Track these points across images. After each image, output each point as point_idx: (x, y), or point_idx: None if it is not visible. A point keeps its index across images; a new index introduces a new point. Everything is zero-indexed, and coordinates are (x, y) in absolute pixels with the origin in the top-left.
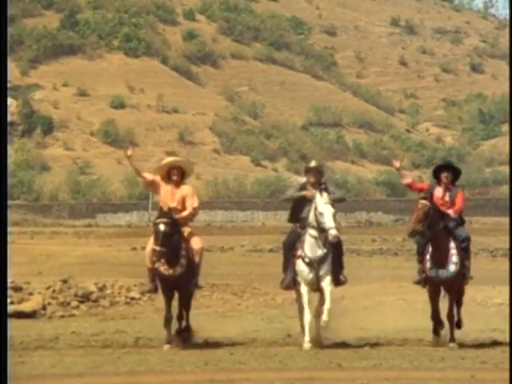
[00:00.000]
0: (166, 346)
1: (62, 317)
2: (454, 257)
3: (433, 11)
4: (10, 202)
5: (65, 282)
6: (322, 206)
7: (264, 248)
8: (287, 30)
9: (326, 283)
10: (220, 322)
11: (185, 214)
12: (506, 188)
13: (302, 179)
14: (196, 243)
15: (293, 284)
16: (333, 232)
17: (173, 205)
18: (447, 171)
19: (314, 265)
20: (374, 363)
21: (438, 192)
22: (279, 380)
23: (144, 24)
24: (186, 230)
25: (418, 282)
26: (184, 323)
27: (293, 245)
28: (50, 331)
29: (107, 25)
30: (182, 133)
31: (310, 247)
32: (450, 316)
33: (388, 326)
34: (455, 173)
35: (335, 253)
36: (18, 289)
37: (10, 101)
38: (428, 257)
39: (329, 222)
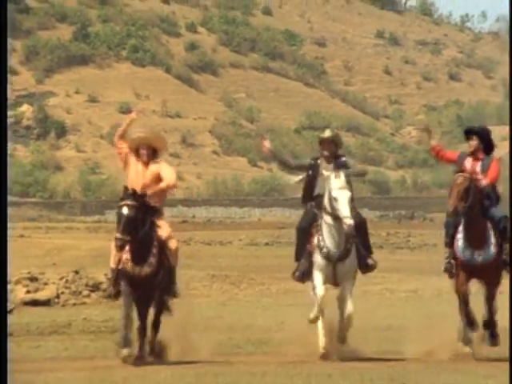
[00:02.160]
0: (125, 351)
1: (74, 305)
2: (492, 238)
3: (414, 24)
4: (26, 200)
5: (77, 272)
6: (336, 190)
7: (260, 242)
8: (281, 42)
9: (346, 285)
10: (219, 310)
11: (155, 189)
12: None
13: (296, 178)
14: (172, 242)
15: (307, 276)
16: (347, 221)
17: (144, 183)
18: (474, 137)
19: (333, 259)
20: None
21: (468, 162)
22: (274, 363)
23: (149, 36)
24: (162, 225)
25: (446, 270)
26: (151, 337)
27: (308, 229)
28: (63, 318)
29: (116, 37)
30: (184, 135)
31: (329, 236)
32: (490, 313)
33: (373, 313)
34: (485, 141)
35: (360, 234)
36: (33, 279)
37: (26, 107)
38: (459, 236)
39: (344, 209)
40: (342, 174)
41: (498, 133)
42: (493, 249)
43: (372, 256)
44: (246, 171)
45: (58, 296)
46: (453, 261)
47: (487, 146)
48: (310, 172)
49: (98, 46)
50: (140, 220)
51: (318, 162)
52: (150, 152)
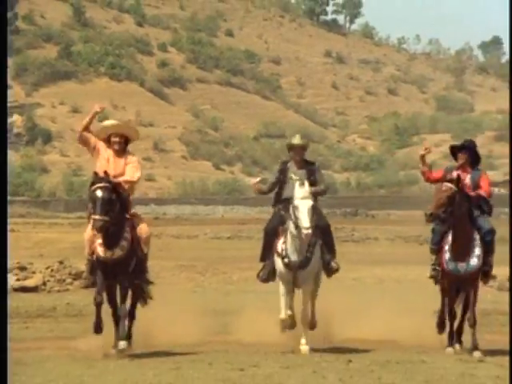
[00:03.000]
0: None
1: (59, 291)
2: (476, 249)
3: (357, 45)
4: (16, 198)
5: (61, 262)
6: (298, 200)
7: (223, 236)
8: (241, 60)
9: (306, 290)
10: (188, 297)
11: (124, 178)
12: (416, 187)
13: (255, 180)
14: (144, 230)
15: (271, 277)
16: (305, 231)
17: (113, 173)
18: (464, 151)
19: (293, 268)
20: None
21: (455, 175)
22: (235, 343)
23: (125, 54)
24: (133, 213)
25: (432, 277)
26: (127, 324)
27: (275, 231)
28: (49, 303)
29: (95, 55)
30: (156, 142)
31: (292, 244)
32: (471, 318)
33: (341, 299)
34: (473, 154)
35: (324, 238)
36: (23, 268)
37: (16, 116)
38: (447, 247)
39: (303, 219)
40: (306, 183)
41: (431, 140)
42: (476, 260)
43: (335, 259)
44: (210, 174)
45: (44, 283)
46: (438, 268)
47: (474, 159)
48: (281, 175)
49: (80, 63)
50: (114, 202)
51: (288, 165)
52: (122, 140)
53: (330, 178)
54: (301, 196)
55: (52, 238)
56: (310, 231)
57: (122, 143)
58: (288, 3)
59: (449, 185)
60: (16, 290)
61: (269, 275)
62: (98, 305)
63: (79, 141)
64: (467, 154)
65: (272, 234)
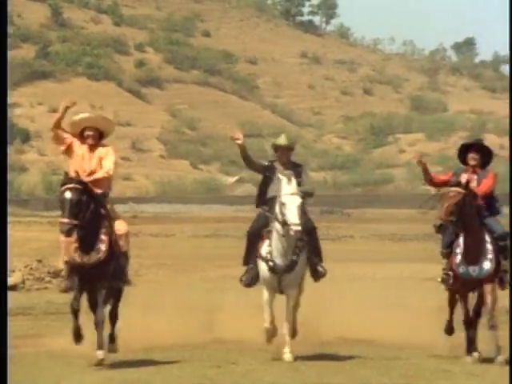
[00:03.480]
0: (99, 353)
1: (38, 289)
2: (489, 252)
3: (333, 46)
4: None
5: (40, 261)
6: (286, 196)
7: (200, 234)
8: (218, 60)
9: (291, 295)
10: (166, 294)
11: (97, 175)
12: (391, 186)
13: (232, 179)
14: (121, 227)
15: (255, 281)
16: (294, 228)
17: (88, 169)
18: (475, 151)
19: (278, 271)
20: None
21: (464, 178)
22: (213, 341)
23: (103, 54)
24: (109, 210)
25: (443, 281)
26: (110, 329)
27: (258, 233)
28: (28, 301)
29: (73, 55)
30: (134, 142)
31: (277, 246)
32: (492, 321)
33: (316, 297)
34: (485, 154)
35: (310, 241)
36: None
37: None
38: (458, 250)
39: (292, 216)
40: (294, 180)
41: (406, 140)
42: (489, 264)
43: (322, 263)
44: (188, 173)
45: (23, 282)
46: (450, 272)
47: (485, 160)
48: (267, 174)
49: (58, 63)
50: (85, 204)
51: (275, 164)
52: (96, 134)
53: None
54: (289, 192)
55: (31, 237)
56: (299, 228)
57: (96, 137)
58: (264, 4)
59: (456, 189)
60: None
61: (252, 279)
62: (75, 312)
63: (53, 139)
64: (479, 154)
65: (255, 236)
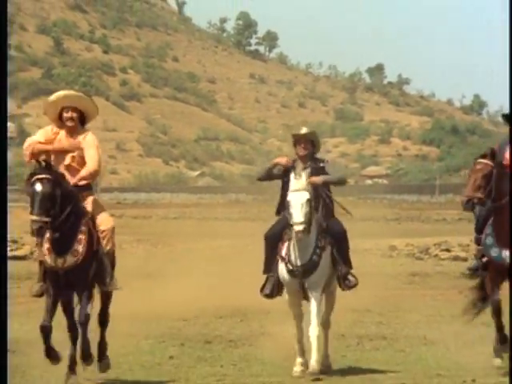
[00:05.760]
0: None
1: None
2: None
3: (275, 70)
4: (11, 187)
5: None
6: (291, 193)
7: (170, 216)
8: (185, 80)
9: (314, 299)
10: (145, 263)
11: (80, 176)
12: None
13: (195, 173)
14: (104, 222)
15: (276, 291)
16: (296, 228)
17: (67, 161)
18: None
19: (297, 273)
20: None
21: (507, 152)
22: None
23: (94, 75)
24: (90, 202)
25: (472, 269)
26: (100, 336)
27: (277, 236)
28: (36, 268)
29: (71, 76)
30: (118, 144)
31: (296, 248)
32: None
33: None
34: None
35: (338, 246)
36: (14, 241)
37: (9, 124)
38: (489, 231)
39: (295, 214)
40: (303, 174)
41: (332, 143)
42: None
43: (352, 272)
44: (161, 168)
45: (31, 253)
46: (479, 260)
47: None
48: (285, 179)
49: (59, 82)
50: (60, 197)
51: (295, 165)
52: (76, 116)
53: (253, 173)
54: (295, 188)
55: None
56: (301, 227)
57: (76, 119)
58: (221, 36)
59: (484, 161)
60: (10, 258)
61: (273, 289)
62: (45, 332)
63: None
64: None
65: (274, 240)
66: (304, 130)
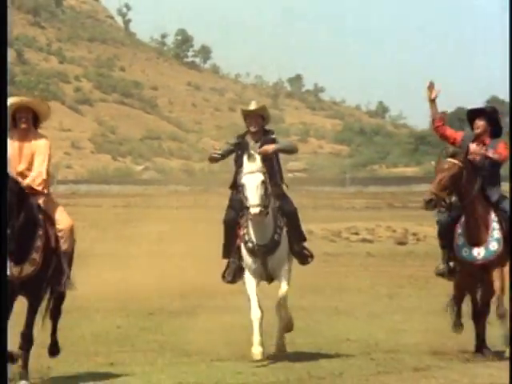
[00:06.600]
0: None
1: None
2: (495, 232)
3: (209, 78)
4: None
5: None
6: (245, 175)
7: (118, 205)
8: (131, 87)
9: (282, 283)
10: (96, 245)
11: (28, 180)
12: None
13: (140, 168)
14: (62, 220)
15: (238, 276)
16: (252, 210)
17: (20, 167)
18: (481, 117)
19: (259, 253)
20: None
21: (472, 148)
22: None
23: (51, 83)
24: (47, 204)
25: (440, 274)
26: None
27: (235, 220)
28: None
29: (31, 83)
30: (73, 142)
31: (256, 228)
32: (501, 308)
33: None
34: (493, 123)
35: (291, 225)
36: None
37: None
38: (460, 231)
39: (251, 197)
40: (257, 157)
41: None
42: (496, 244)
43: (306, 246)
44: (110, 163)
45: None
46: (450, 264)
47: (495, 128)
48: (238, 152)
49: (21, 88)
50: (15, 206)
51: (246, 139)
52: (29, 116)
53: (189, 168)
54: (249, 170)
55: None
56: (257, 209)
57: (29, 120)
58: (162, 49)
59: (452, 160)
60: None
61: (235, 274)
62: (29, 345)
63: None
64: (485, 121)
65: (233, 224)
66: (253, 106)
